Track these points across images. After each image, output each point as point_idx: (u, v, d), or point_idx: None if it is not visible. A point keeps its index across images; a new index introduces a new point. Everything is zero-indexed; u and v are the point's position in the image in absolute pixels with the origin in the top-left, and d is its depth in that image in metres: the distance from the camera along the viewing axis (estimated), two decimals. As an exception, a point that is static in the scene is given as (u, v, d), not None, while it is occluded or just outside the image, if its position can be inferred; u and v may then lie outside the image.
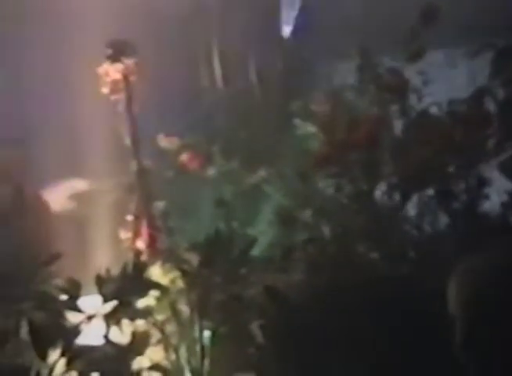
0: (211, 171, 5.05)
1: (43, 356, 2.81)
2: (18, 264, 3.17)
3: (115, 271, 3.29)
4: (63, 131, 5.79)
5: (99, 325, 3.22)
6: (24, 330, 2.78)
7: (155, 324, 3.45)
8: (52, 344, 2.83)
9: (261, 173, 5.08)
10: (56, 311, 2.90)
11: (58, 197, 5.85)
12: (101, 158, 5.56)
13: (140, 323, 3.43)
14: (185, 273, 3.29)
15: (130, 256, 4.10)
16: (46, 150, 6.13)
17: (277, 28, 6.49)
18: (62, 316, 2.93)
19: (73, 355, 3.05)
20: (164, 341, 3.52)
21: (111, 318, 3.18)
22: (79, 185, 6.31)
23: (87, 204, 6.20)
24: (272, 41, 6.50)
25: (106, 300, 3.09)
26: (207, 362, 3.45)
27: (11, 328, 2.80)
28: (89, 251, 4.80)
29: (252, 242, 3.39)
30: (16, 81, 6.17)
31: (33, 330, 2.75)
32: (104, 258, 4.43)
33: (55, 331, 2.86)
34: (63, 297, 3.08)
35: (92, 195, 6.22)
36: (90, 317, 3.05)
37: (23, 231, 5.01)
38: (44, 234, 4.95)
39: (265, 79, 6.31)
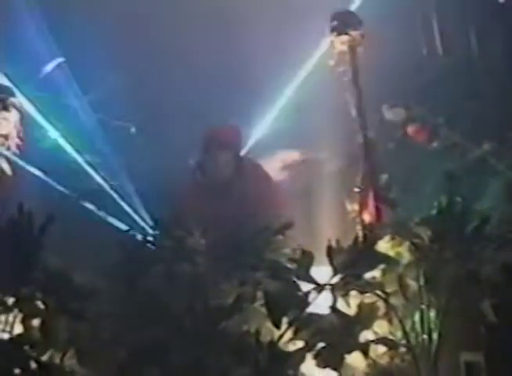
0: (434, 144, 4.96)
1: (277, 324, 2.85)
2: (249, 231, 3.19)
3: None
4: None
5: (325, 296, 3.23)
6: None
7: (381, 297, 3.40)
8: (285, 313, 2.86)
9: (486, 146, 4.93)
10: (290, 281, 2.93)
11: (272, 167, 5.93)
12: (322, 129, 5.59)
13: (367, 296, 3.41)
14: (416, 247, 3.23)
15: (355, 228, 4.12)
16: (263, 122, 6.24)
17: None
18: (295, 286, 2.95)
19: (302, 324, 3.07)
20: (390, 315, 3.47)
21: (340, 289, 3.17)
22: (293, 155, 6.37)
23: (302, 175, 6.25)
24: (491, 5, 6.27)
25: (336, 272, 3.08)
26: (434, 338, 3.36)
27: (247, 296, 2.86)
28: (312, 221, 4.83)
29: (486, 218, 3.27)
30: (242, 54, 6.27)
31: (269, 299, 2.80)
32: (328, 228, 4.45)
33: (288, 301, 2.89)
34: (294, 266, 3.09)
35: (308, 165, 6.27)
36: (321, 288, 3.05)
37: (245, 198, 5.11)
38: (267, 202, 5.02)
39: (486, 46, 6.11)
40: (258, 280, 2.90)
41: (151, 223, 5.63)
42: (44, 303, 3.03)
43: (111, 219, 6.18)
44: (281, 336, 3.02)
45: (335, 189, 4.97)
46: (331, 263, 3.08)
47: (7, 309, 3.03)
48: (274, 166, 6.07)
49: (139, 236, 3.43)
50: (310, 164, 6.32)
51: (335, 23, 4.30)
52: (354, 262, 3.09)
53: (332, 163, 5.83)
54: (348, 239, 3.27)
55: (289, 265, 3.06)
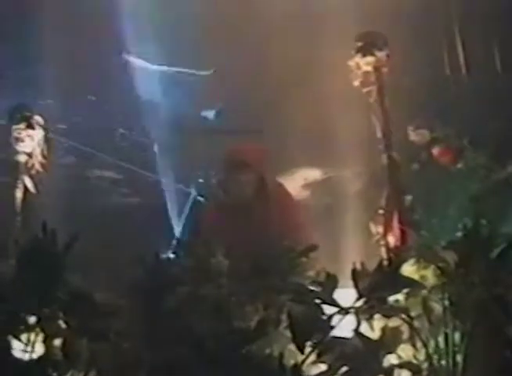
0: (459, 165, 4.93)
1: (301, 348, 2.82)
2: (272, 253, 3.16)
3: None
4: (307, 122, 5.86)
5: (348, 319, 3.20)
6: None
7: (406, 321, 3.36)
8: (309, 336, 2.84)
9: (511, 168, 4.89)
10: (314, 304, 2.90)
11: (293, 185, 5.91)
12: (344, 148, 5.57)
13: (390, 319, 3.37)
14: (442, 271, 3.19)
15: (378, 250, 4.09)
16: (283, 141, 6.23)
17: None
18: (319, 310, 2.92)
19: (325, 347, 3.04)
20: (414, 339, 3.43)
21: (364, 313, 3.14)
22: (313, 174, 6.35)
23: (323, 193, 6.23)
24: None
25: (361, 295, 3.05)
26: (459, 363, 3.32)
27: (271, 319, 2.83)
28: (334, 242, 4.81)
29: (513, 242, 3.23)
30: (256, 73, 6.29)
31: (293, 323, 2.77)
32: (351, 250, 4.42)
33: (312, 324, 2.87)
34: (318, 289, 3.06)
35: (330, 184, 6.24)
36: (346, 311, 3.02)
37: (268, 219, 5.08)
38: (290, 222, 4.99)
39: (511, 65, 6.07)
40: (282, 303, 2.87)
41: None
42: (66, 323, 3.02)
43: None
44: (304, 360, 2.99)
45: (358, 210, 4.94)
46: (356, 286, 3.05)
47: (29, 329, 3.02)
48: (295, 184, 6.06)
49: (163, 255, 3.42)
50: (332, 183, 6.31)
51: (360, 43, 4.30)
52: (378, 285, 3.06)
53: (354, 183, 5.81)
54: (371, 261, 3.25)
55: (313, 288, 3.03)
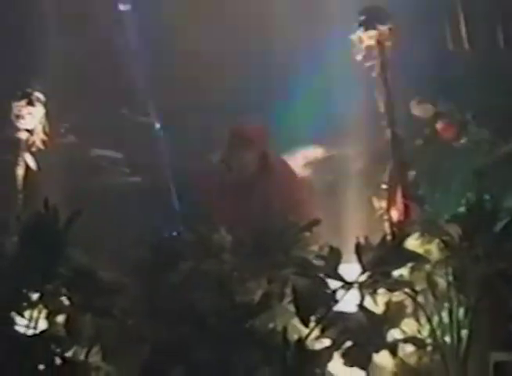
0: (462, 140, 4.90)
1: (306, 322, 2.82)
2: (275, 228, 3.15)
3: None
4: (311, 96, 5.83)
5: (352, 294, 3.19)
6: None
7: (410, 295, 3.35)
8: (314, 310, 2.83)
9: (515, 142, 4.87)
10: (318, 278, 2.89)
11: (295, 163, 5.89)
12: (346, 125, 5.54)
13: (394, 294, 3.36)
14: (446, 245, 3.18)
15: (381, 225, 4.08)
16: (286, 118, 6.20)
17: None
18: (324, 284, 2.91)
19: (329, 322, 3.04)
20: (418, 314, 3.42)
21: (368, 287, 3.13)
22: (316, 152, 6.32)
23: (326, 171, 6.21)
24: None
25: (365, 269, 3.04)
26: (463, 338, 3.31)
27: (275, 293, 2.82)
28: (338, 218, 4.79)
29: (516, 216, 3.22)
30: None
31: (297, 297, 2.76)
32: (354, 226, 4.41)
33: (317, 298, 2.86)
34: (322, 263, 3.05)
35: (332, 162, 6.22)
36: (349, 286, 3.01)
37: (271, 195, 5.09)
38: (292, 198, 5.00)
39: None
40: (286, 277, 2.86)
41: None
42: (69, 299, 3.01)
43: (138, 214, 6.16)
44: (308, 334, 2.99)
45: (361, 186, 4.93)
46: (360, 261, 3.04)
47: (32, 305, 3.01)
48: (297, 162, 6.03)
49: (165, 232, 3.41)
50: (334, 161, 6.27)
51: (363, 17, 4.27)
52: (382, 259, 3.05)
53: (357, 161, 5.78)
54: (374, 236, 3.24)
55: (317, 263, 3.02)
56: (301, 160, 6.17)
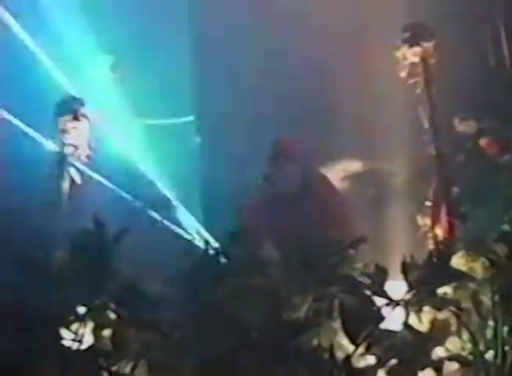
0: (506, 157, 4.88)
1: (354, 339, 2.82)
2: (321, 245, 3.15)
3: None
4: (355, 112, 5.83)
5: (397, 311, 3.18)
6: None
7: (456, 313, 3.34)
8: (362, 328, 2.83)
9: None
10: (365, 296, 2.89)
11: (333, 177, 5.88)
12: (386, 140, 5.54)
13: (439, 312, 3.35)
14: (492, 264, 3.16)
15: (425, 242, 4.06)
16: (330, 131, 6.21)
17: None
18: (371, 301, 2.91)
19: (375, 340, 3.03)
20: (461, 332, 3.40)
21: (413, 305, 3.12)
22: (354, 166, 6.31)
23: (364, 185, 6.20)
24: None
25: (411, 287, 3.03)
26: (508, 356, 3.28)
27: (324, 310, 2.83)
28: (379, 233, 4.78)
29: None
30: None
31: (345, 314, 2.77)
32: (397, 242, 4.39)
33: (364, 316, 2.86)
34: (369, 281, 3.05)
35: (370, 176, 6.21)
36: (396, 303, 3.01)
37: (313, 210, 5.07)
38: (335, 214, 4.97)
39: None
40: (333, 295, 2.86)
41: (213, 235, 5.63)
42: (116, 313, 3.04)
43: (175, 229, 6.21)
44: (354, 351, 2.98)
45: (402, 201, 4.91)
46: (405, 279, 3.03)
47: (79, 319, 3.04)
48: (335, 176, 6.03)
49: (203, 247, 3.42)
50: (373, 175, 6.26)
51: (407, 34, 4.27)
52: (428, 277, 3.04)
53: (397, 175, 5.77)
54: (418, 254, 3.23)
55: (363, 280, 3.02)
56: (340, 173, 6.17)
